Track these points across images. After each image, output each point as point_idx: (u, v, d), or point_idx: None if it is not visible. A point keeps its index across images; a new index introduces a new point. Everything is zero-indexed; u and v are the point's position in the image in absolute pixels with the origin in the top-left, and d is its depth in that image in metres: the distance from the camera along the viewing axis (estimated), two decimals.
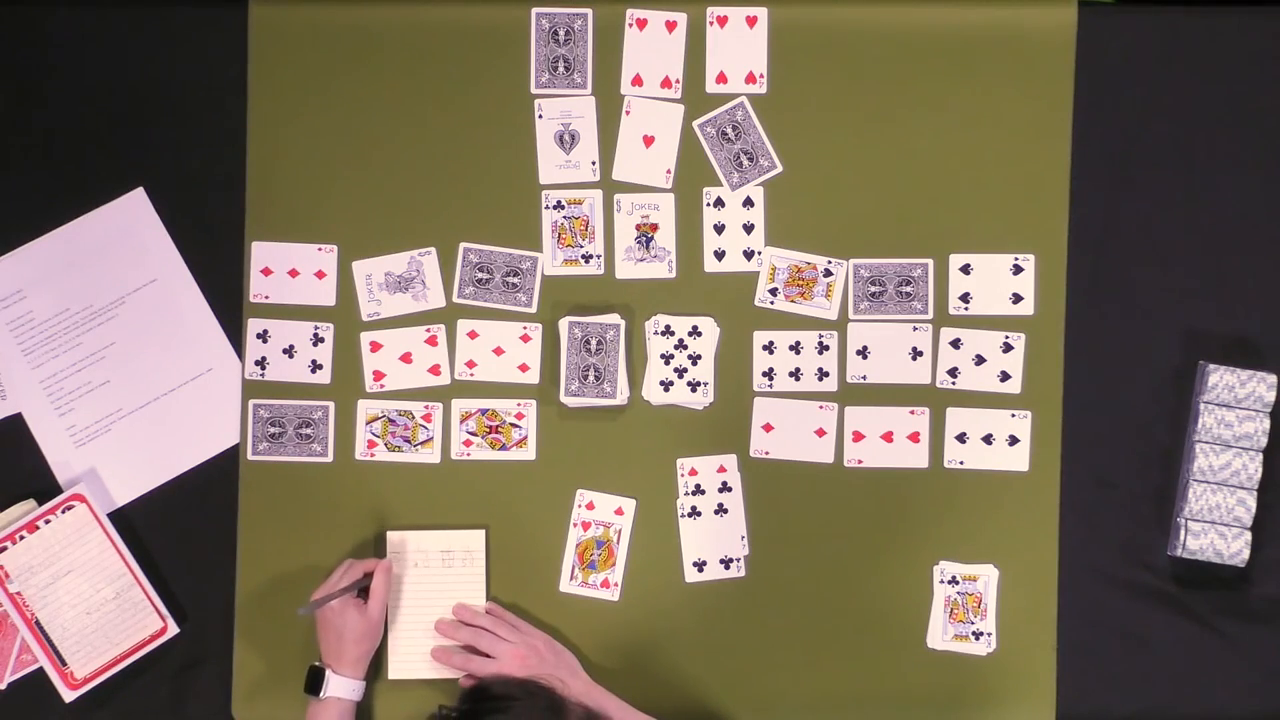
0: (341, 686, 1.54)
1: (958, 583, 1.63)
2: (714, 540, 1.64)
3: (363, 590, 1.58)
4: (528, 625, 1.61)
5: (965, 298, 1.64)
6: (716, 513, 1.64)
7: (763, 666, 1.63)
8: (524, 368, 1.65)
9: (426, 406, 1.65)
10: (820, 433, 1.64)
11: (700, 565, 1.64)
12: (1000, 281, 1.64)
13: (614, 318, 1.64)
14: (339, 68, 1.66)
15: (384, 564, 1.59)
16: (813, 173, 1.65)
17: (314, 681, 1.55)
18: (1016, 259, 1.64)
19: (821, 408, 1.64)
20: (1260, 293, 1.64)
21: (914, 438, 1.64)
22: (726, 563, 1.64)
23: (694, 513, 1.64)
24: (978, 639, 1.63)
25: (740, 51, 1.65)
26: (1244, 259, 1.64)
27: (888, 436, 1.64)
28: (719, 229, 1.65)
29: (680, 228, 1.65)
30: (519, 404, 1.65)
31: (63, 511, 1.61)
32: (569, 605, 1.63)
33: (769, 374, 1.65)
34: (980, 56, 1.64)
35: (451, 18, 1.65)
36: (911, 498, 1.64)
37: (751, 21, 1.65)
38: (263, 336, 1.65)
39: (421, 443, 1.65)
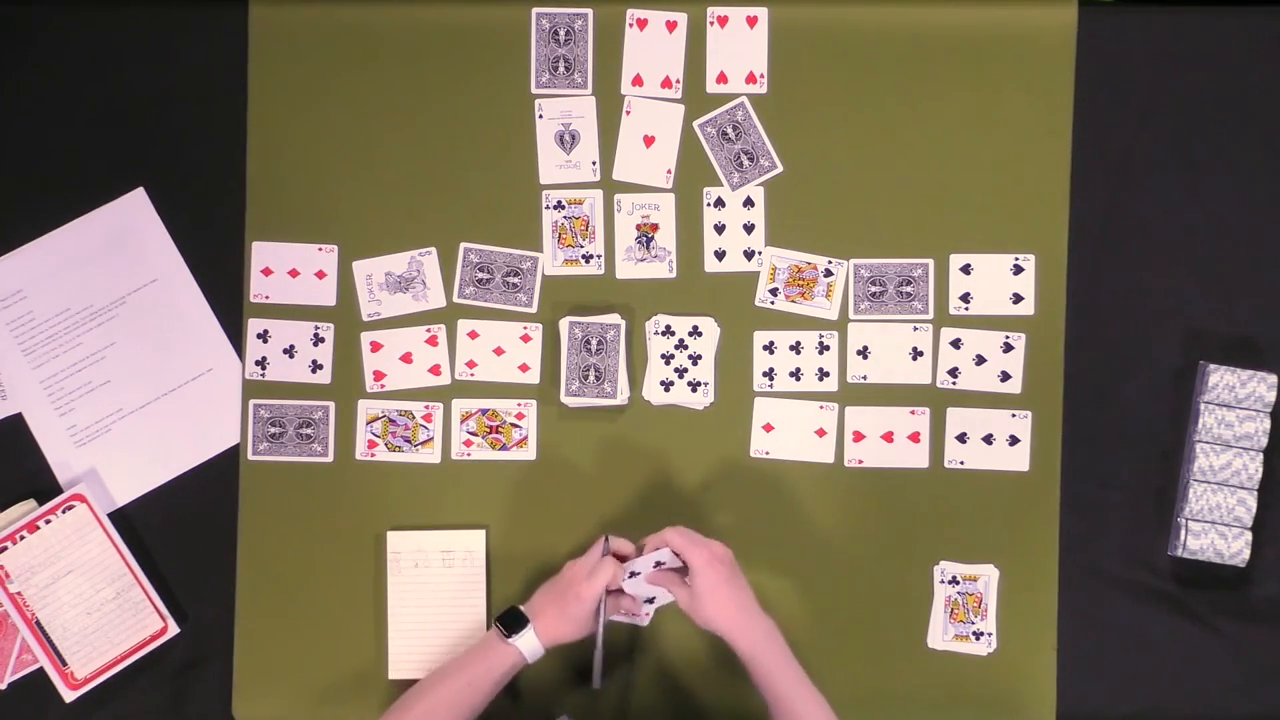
0: (530, 646, 1.48)
1: (958, 583, 1.63)
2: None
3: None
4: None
5: (965, 298, 1.64)
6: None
7: None
8: (524, 368, 1.65)
9: (427, 406, 1.65)
10: (820, 433, 1.64)
11: None
12: (1000, 281, 1.64)
13: (614, 318, 1.64)
14: (339, 68, 1.66)
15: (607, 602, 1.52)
16: (813, 173, 1.65)
17: (514, 623, 1.49)
18: (1016, 259, 1.64)
19: (822, 408, 1.64)
20: (1260, 293, 1.64)
21: (914, 438, 1.64)
22: None
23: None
24: (978, 639, 1.63)
25: (740, 51, 1.65)
26: (1244, 259, 1.64)
27: (888, 436, 1.64)
28: (719, 229, 1.65)
29: (680, 228, 1.65)
30: (519, 404, 1.65)
31: (63, 511, 1.61)
32: None
33: (769, 374, 1.65)
34: (980, 56, 1.64)
35: (451, 18, 1.65)
36: (911, 498, 1.64)
37: (752, 21, 1.65)
38: (263, 336, 1.65)
39: (422, 443, 1.65)
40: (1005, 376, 1.64)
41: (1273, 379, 1.60)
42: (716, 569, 1.46)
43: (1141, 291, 1.64)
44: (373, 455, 1.65)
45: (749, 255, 1.65)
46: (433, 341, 1.65)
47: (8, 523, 1.61)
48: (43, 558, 1.61)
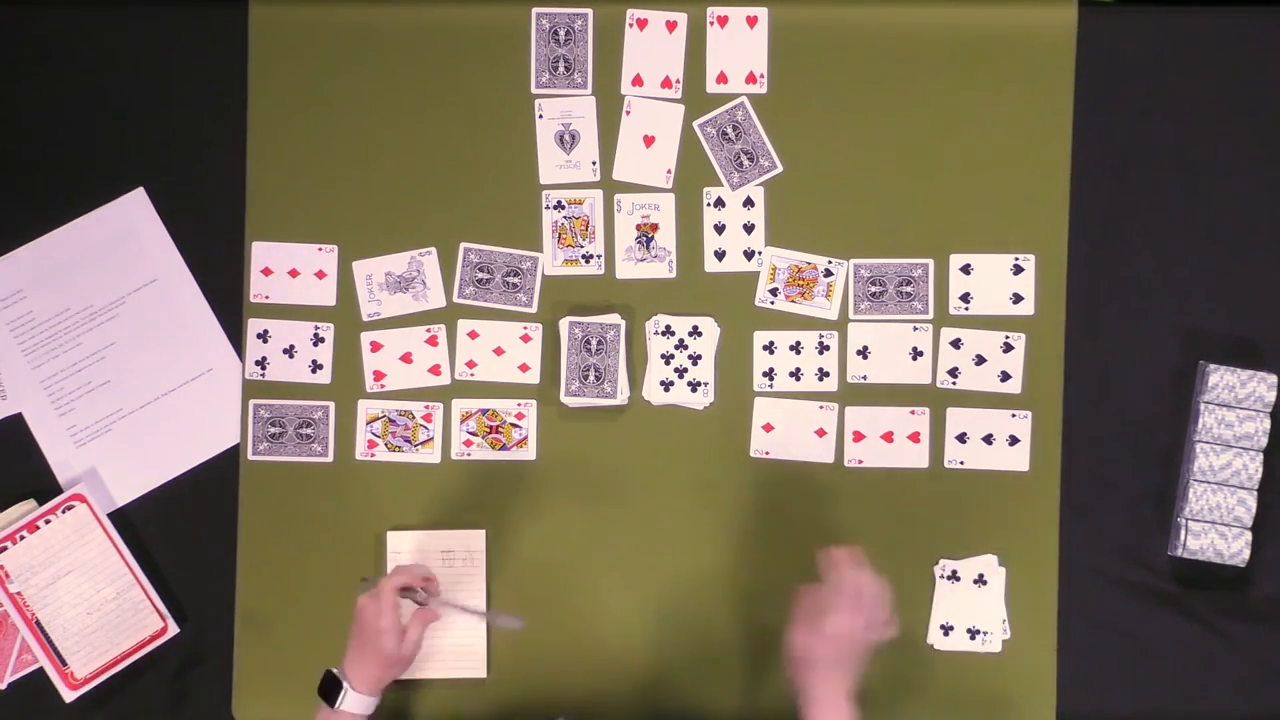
0: (357, 703, 1.47)
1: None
2: None
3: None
4: None
5: (965, 298, 1.64)
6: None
7: (763, 667, 1.63)
8: (524, 368, 1.65)
9: (427, 406, 1.65)
10: (820, 433, 1.64)
11: None
12: (1000, 281, 1.64)
13: (614, 318, 1.64)
14: (339, 68, 1.66)
15: (428, 613, 1.52)
16: (813, 173, 1.65)
17: (330, 689, 1.48)
18: (1016, 259, 1.64)
19: (822, 408, 1.64)
20: (1260, 293, 1.64)
21: (914, 438, 1.64)
22: None
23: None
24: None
25: (740, 51, 1.65)
26: (1244, 259, 1.64)
27: (888, 436, 1.64)
28: (719, 229, 1.65)
29: (680, 228, 1.65)
30: (519, 404, 1.65)
31: (63, 511, 1.61)
32: (569, 605, 1.63)
33: (769, 374, 1.65)
34: (980, 56, 1.64)
35: (451, 18, 1.65)
36: (911, 498, 1.64)
37: (751, 21, 1.65)
38: (263, 336, 1.65)
39: (422, 443, 1.65)
40: (1005, 376, 1.64)
41: (1273, 379, 1.60)
42: None
43: (1141, 291, 1.65)
44: (373, 455, 1.65)
45: (749, 255, 1.65)
46: (433, 341, 1.65)
47: (8, 523, 1.61)
48: (43, 558, 1.61)
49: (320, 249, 1.66)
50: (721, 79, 1.65)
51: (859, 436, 1.64)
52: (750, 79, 1.65)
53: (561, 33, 1.65)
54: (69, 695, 1.61)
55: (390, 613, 1.47)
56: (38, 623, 1.61)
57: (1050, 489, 1.63)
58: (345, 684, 1.46)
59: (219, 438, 1.65)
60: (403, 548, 1.64)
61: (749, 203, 1.65)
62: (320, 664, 1.63)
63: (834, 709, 1.41)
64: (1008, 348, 1.64)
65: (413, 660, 1.51)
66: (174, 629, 1.62)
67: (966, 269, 1.64)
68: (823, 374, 1.64)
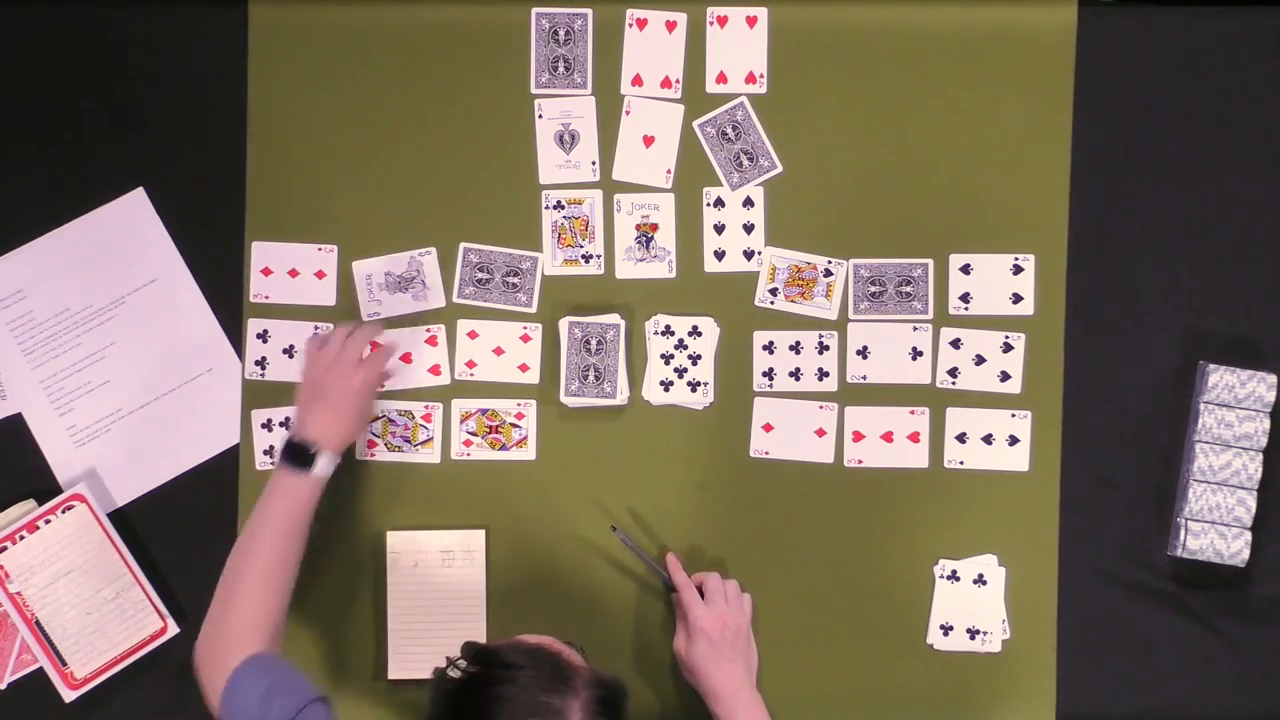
0: (327, 465, 1.50)
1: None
2: None
3: None
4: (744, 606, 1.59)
5: (965, 298, 1.64)
6: None
7: (763, 666, 1.62)
8: (524, 368, 1.65)
9: (426, 406, 1.65)
10: (820, 433, 1.64)
11: None
12: (1000, 281, 1.64)
13: (614, 318, 1.64)
14: (339, 68, 1.66)
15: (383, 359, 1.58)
16: (813, 173, 1.65)
17: (304, 456, 1.48)
18: (1016, 259, 1.64)
19: (821, 408, 1.64)
20: (1260, 293, 1.64)
21: (914, 438, 1.64)
22: None
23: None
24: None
25: (740, 51, 1.65)
26: (1244, 259, 1.64)
27: (888, 436, 1.64)
28: (719, 229, 1.65)
29: (680, 228, 1.65)
30: (519, 404, 1.65)
31: (63, 511, 1.61)
32: (569, 605, 1.63)
33: (769, 374, 1.65)
34: (980, 56, 1.64)
35: (451, 18, 1.66)
36: (911, 498, 1.64)
37: (751, 21, 1.65)
38: (263, 336, 1.65)
39: (421, 443, 1.65)
40: (1005, 376, 1.64)
41: (1273, 379, 1.60)
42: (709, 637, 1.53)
43: (1141, 291, 1.65)
44: (373, 455, 1.65)
45: (749, 255, 1.65)
46: (432, 341, 1.65)
47: (8, 523, 1.61)
48: (43, 558, 1.61)
49: (320, 249, 1.66)
50: (721, 79, 1.65)
51: (859, 436, 1.64)
52: (750, 79, 1.65)
53: (561, 33, 1.65)
54: (69, 695, 1.61)
55: (376, 368, 1.55)
56: (38, 623, 1.61)
57: (1050, 489, 1.63)
58: (320, 447, 1.49)
59: (219, 438, 1.65)
60: (403, 548, 1.64)
61: (749, 203, 1.65)
62: (320, 663, 1.64)
63: (736, 702, 1.49)
64: (1007, 348, 1.64)
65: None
66: (174, 629, 1.62)
67: (966, 269, 1.64)
68: (822, 374, 1.64)
